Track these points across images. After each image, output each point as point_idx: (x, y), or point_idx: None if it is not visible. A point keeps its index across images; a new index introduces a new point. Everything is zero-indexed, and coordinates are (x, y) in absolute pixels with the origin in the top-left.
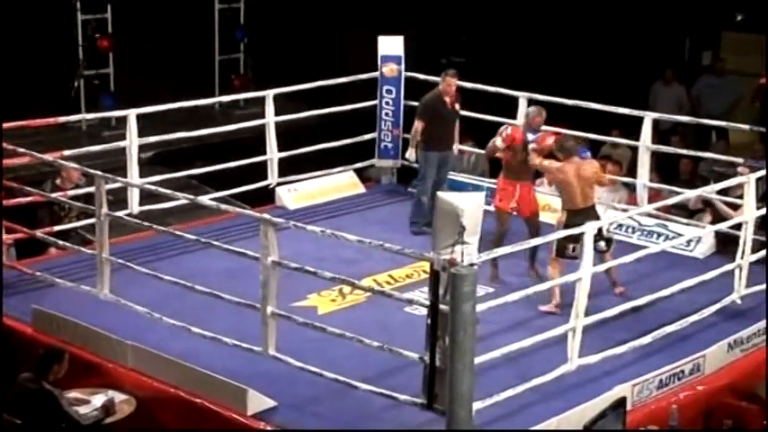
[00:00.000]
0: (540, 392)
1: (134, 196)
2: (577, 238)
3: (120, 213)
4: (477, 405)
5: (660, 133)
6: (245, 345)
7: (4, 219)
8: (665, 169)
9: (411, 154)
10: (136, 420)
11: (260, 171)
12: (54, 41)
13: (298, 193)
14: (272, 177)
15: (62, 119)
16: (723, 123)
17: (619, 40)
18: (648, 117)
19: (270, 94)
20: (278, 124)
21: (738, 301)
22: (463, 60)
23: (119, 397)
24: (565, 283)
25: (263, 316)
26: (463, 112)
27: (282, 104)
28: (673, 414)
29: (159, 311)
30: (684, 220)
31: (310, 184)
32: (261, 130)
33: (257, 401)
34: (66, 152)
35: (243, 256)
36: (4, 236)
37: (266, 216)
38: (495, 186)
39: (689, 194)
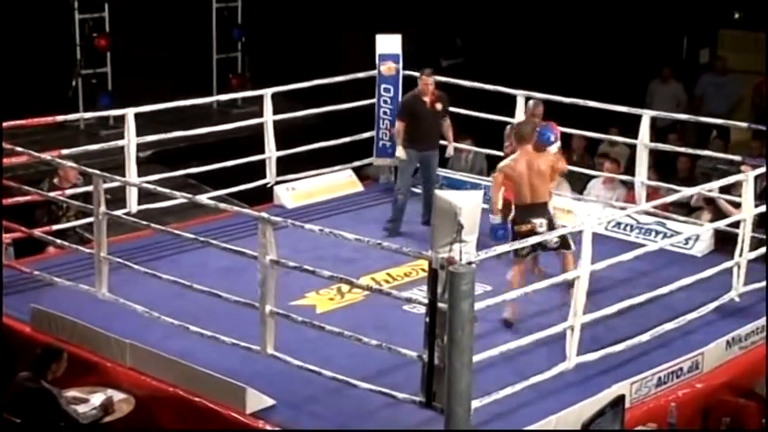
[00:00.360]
0: (539, 390)
1: (132, 195)
2: (529, 235)
3: (119, 212)
4: (475, 403)
5: (658, 131)
6: (243, 343)
7: (3, 218)
8: (663, 167)
9: (400, 152)
10: (134, 419)
11: (258, 170)
12: (51, 41)
13: (296, 192)
14: (271, 176)
15: (60, 118)
16: (720, 121)
17: (616, 39)
18: (646, 115)
19: (268, 92)
20: (276, 123)
21: (737, 299)
22: (461, 60)
23: (117, 396)
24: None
25: (262, 315)
26: (461, 111)
27: (280, 103)
28: (671, 412)
29: (158, 310)
30: (683, 218)
31: (308, 182)
32: (259, 129)
33: (256, 400)
34: (64, 151)
35: (241, 255)
36: (3, 235)
37: (264, 215)
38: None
39: (687, 192)
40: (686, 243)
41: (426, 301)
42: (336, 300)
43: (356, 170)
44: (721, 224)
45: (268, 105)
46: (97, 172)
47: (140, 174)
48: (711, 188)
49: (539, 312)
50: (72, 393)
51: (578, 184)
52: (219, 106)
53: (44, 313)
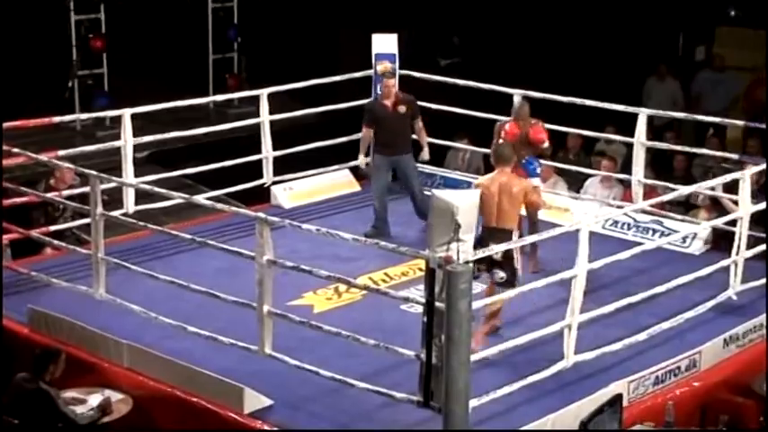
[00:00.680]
0: (536, 389)
1: (129, 196)
2: (484, 260)
3: (116, 213)
4: (473, 402)
5: (654, 129)
6: (241, 343)
7: None
8: (660, 165)
9: (360, 160)
10: (132, 420)
11: (255, 170)
12: (47, 42)
13: (293, 192)
14: (268, 176)
15: (56, 119)
16: (717, 119)
17: (612, 37)
18: (643, 113)
19: (264, 92)
20: (273, 123)
21: (734, 297)
22: (458, 59)
23: (115, 396)
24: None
25: (259, 315)
26: (458, 110)
27: (277, 103)
28: (669, 410)
29: (155, 311)
30: (680, 217)
31: (306, 182)
32: (256, 129)
33: (253, 400)
34: (61, 152)
35: (238, 256)
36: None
37: (262, 215)
38: None
39: (684, 191)
40: (683, 241)
41: (424, 300)
42: (334, 299)
43: (353, 170)
44: (718, 222)
45: (264, 105)
46: (94, 173)
47: (137, 174)
48: (708, 186)
49: (536, 311)
50: (70, 394)
51: (575, 183)
52: (216, 106)
53: (41, 314)
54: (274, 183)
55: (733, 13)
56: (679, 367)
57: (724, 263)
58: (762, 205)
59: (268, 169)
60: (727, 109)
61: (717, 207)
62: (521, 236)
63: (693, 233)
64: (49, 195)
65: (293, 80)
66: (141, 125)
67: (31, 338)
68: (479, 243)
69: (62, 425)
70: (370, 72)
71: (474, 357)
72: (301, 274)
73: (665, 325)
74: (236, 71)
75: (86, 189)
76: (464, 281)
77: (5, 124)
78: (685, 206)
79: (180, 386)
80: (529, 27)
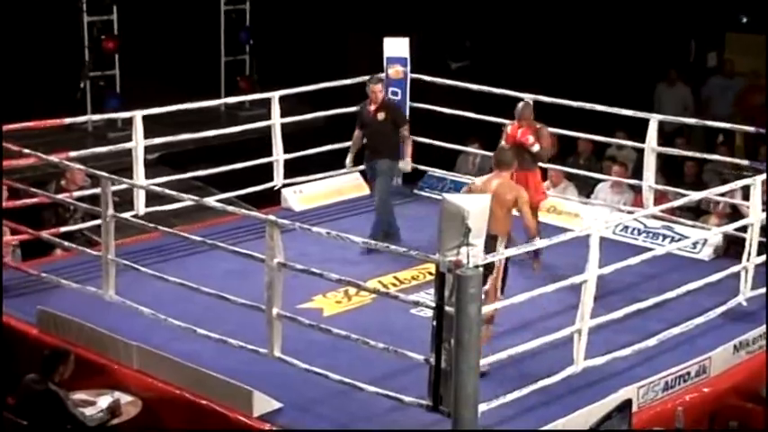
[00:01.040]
0: (546, 394)
1: (140, 197)
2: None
3: (126, 215)
4: (482, 407)
5: (665, 135)
6: (250, 346)
7: (10, 220)
8: (670, 171)
9: (347, 160)
10: (141, 422)
11: (266, 172)
12: (60, 43)
13: (303, 195)
14: (278, 179)
15: (68, 120)
16: (727, 125)
17: (624, 42)
18: (654, 119)
19: (275, 95)
20: (284, 126)
21: (744, 303)
22: (469, 63)
23: (124, 398)
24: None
25: (269, 317)
26: (469, 114)
27: (288, 106)
28: (678, 416)
29: (164, 313)
30: (690, 222)
31: (316, 185)
32: (266, 132)
33: (263, 403)
34: (72, 153)
35: (248, 258)
36: (10, 237)
37: (272, 217)
38: None
39: (695, 197)
40: (694, 247)
41: (433, 304)
42: (344, 303)
43: (363, 173)
44: (729, 228)
45: (276, 108)
46: (105, 174)
47: (148, 176)
48: (719, 193)
49: (545, 316)
50: (79, 396)
51: (585, 188)
52: (227, 109)
53: (51, 315)
54: (285, 185)
55: (744, 19)
56: (689, 373)
57: (734, 269)
58: None
59: (278, 172)
60: (733, 115)
61: (729, 214)
62: (507, 246)
63: (704, 239)
64: (59, 196)
65: (304, 83)
66: (152, 127)
67: (40, 339)
68: None
69: (71, 426)
70: (380, 75)
71: (483, 362)
72: (311, 277)
73: (675, 331)
74: (247, 73)
75: (97, 190)
76: (474, 285)
77: (17, 125)
78: (696, 212)
79: (189, 388)
80: (540, 31)
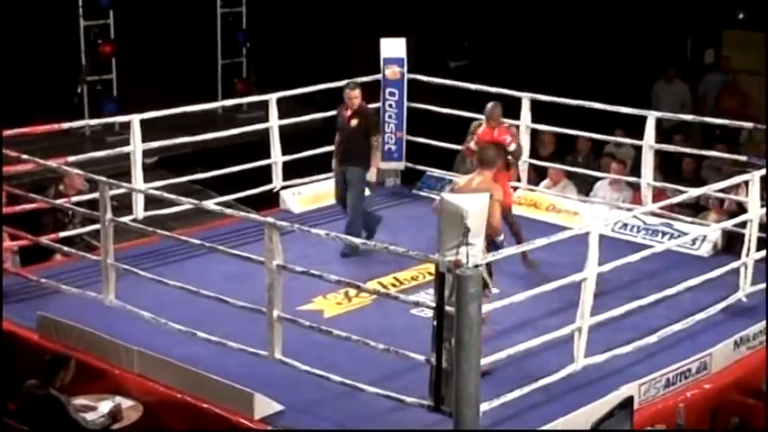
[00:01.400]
0: (547, 393)
1: (138, 201)
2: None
3: (125, 219)
4: (483, 406)
5: (663, 132)
6: (250, 349)
7: (9, 226)
8: (669, 168)
9: (333, 164)
10: (143, 426)
11: (264, 175)
12: (56, 47)
13: (302, 197)
14: (277, 181)
15: (65, 125)
16: (726, 122)
17: (621, 40)
18: (652, 116)
19: (273, 97)
20: (281, 128)
21: (744, 299)
22: (467, 62)
23: (125, 403)
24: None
25: (269, 320)
26: (467, 114)
27: (286, 108)
28: (680, 413)
29: (165, 316)
30: (689, 219)
31: (315, 187)
32: (264, 134)
33: (264, 405)
34: (70, 158)
35: (248, 261)
36: (10, 242)
37: (271, 220)
38: None
39: (693, 193)
40: (693, 244)
41: (434, 304)
42: (344, 304)
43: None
44: (728, 224)
45: (273, 110)
46: (103, 179)
47: (146, 180)
48: (718, 189)
49: (546, 314)
50: (80, 401)
51: (584, 186)
52: (225, 111)
53: (51, 320)
54: (283, 187)
55: (741, 16)
56: (690, 369)
57: (734, 265)
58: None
59: (277, 174)
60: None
61: (727, 210)
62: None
63: (703, 235)
64: (58, 201)
65: (302, 85)
66: (150, 131)
67: (40, 345)
68: None
69: None
70: (378, 76)
71: (484, 361)
72: (311, 278)
73: (676, 327)
74: (244, 76)
75: (96, 195)
76: (474, 284)
77: (15, 130)
78: (694, 208)
79: (190, 392)
80: (538, 30)
